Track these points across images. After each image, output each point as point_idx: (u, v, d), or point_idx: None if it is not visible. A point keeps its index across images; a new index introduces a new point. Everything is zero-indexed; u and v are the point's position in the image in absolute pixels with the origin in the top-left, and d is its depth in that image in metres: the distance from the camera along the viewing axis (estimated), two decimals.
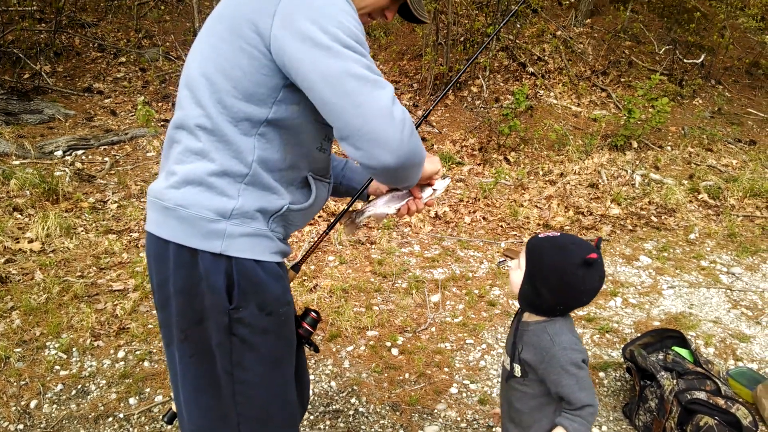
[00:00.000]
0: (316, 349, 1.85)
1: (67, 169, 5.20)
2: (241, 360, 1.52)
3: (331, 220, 4.77)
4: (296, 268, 1.86)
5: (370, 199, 1.86)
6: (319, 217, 4.76)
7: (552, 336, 1.67)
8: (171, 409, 1.83)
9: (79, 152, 5.63)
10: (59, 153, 5.53)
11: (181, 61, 7.23)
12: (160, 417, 2.69)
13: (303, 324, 1.77)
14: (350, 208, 1.90)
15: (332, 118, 1.34)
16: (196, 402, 1.57)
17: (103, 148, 5.76)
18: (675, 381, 2.66)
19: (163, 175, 1.54)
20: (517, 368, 1.74)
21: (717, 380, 2.71)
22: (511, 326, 1.84)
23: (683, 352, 2.92)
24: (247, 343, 1.51)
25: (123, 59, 7.30)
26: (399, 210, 1.74)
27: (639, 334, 3.23)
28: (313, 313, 1.80)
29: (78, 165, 5.38)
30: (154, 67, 7.12)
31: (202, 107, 1.43)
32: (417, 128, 1.95)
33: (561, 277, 1.62)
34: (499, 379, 2.30)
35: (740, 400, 2.70)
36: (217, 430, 1.58)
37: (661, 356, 2.89)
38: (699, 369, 2.77)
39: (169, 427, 2.63)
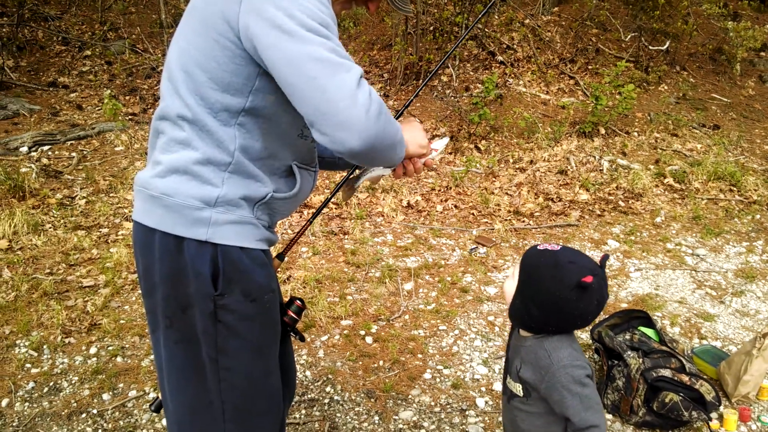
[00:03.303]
0: (302, 338, 1.87)
1: (33, 165, 5.12)
2: (225, 346, 1.53)
3: (305, 210, 4.78)
4: (281, 256, 1.88)
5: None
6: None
7: (550, 352, 1.56)
8: (158, 397, 1.84)
9: (45, 148, 5.53)
10: (24, 149, 5.43)
11: (147, 53, 7.14)
12: (147, 406, 2.69)
13: (288, 312, 1.78)
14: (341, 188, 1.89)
15: (298, 103, 1.35)
16: (181, 388, 1.59)
17: (69, 143, 5.67)
18: (641, 360, 2.74)
19: (149, 164, 1.55)
20: (519, 387, 1.64)
21: (681, 358, 2.79)
22: (508, 341, 1.74)
23: (649, 331, 3.00)
24: (232, 330, 1.53)
25: (88, 52, 7.17)
26: (395, 171, 1.71)
27: (607, 316, 3.31)
28: (298, 301, 1.81)
29: (44, 161, 5.29)
30: (120, 60, 7.01)
31: (182, 99, 1.45)
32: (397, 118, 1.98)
33: (553, 298, 1.52)
34: (500, 399, 2.17)
35: (704, 376, 2.79)
36: (201, 416, 1.59)
37: (627, 336, 2.97)
38: (664, 348, 2.85)
39: (155, 415, 2.64)
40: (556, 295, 1.51)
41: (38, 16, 7.42)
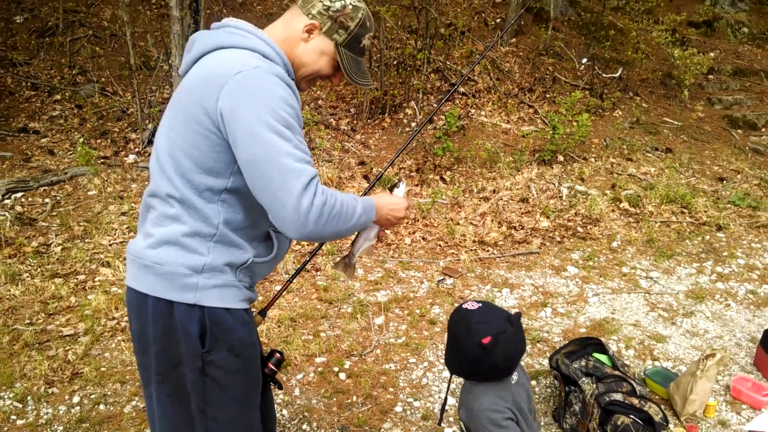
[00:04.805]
0: (280, 387, 2.08)
1: (7, 214, 5.19)
2: (212, 398, 1.73)
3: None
4: (263, 313, 2.08)
5: (353, 240, 2.06)
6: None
7: (476, 396, 1.83)
8: None
9: (19, 195, 5.61)
10: None
11: (117, 96, 7.27)
12: None
13: (269, 364, 1.99)
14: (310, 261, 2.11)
15: (255, 193, 1.60)
16: None
17: (42, 189, 5.76)
18: (595, 385, 2.95)
19: (140, 235, 1.76)
20: (461, 425, 1.90)
21: (632, 382, 3.02)
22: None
23: (603, 357, 3.22)
24: (219, 383, 1.72)
25: (58, 97, 7.28)
26: (379, 236, 1.98)
27: (565, 343, 3.52)
28: (277, 354, 2.02)
29: (18, 208, 5.38)
30: (90, 103, 7.13)
31: (170, 180, 1.66)
32: (380, 177, 2.23)
33: (466, 353, 1.81)
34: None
35: (655, 398, 3.02)
36: None
37: (583, 363, 3.18)
38: (617, 372, 3.07)
39: None
40: (467, 350, 1.80)
41: (6, 63, 7.50)
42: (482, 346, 1.74)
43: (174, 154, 1.65)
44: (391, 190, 2.03)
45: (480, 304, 1.86)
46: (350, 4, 1.78)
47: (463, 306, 1.87)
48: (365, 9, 1.82)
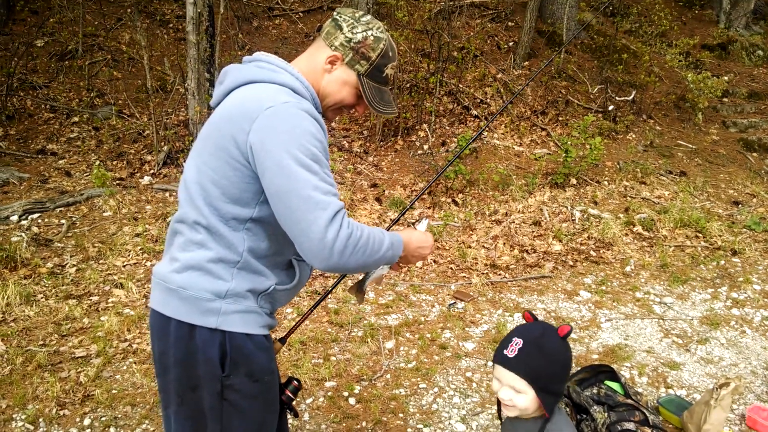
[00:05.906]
0: (296, 414, 2.09)
1: (23, 234, 5.27)
2: (230, 422, 1.76)
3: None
4: (283, 340, 2.11)
5: None
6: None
7: (560, 427, 1.71)
8: None
9: (35, 216, 5.69)
10: (15, 218, 5.58)
11: (134, 118, 7.39)
12: None
13: (286, 391, 2.01)
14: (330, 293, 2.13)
15: (282, 224, 1.64)
16: None
17: (59, 210, 5.84)
18: (607, 414, 2.92)
19: (167, 259, 1.81)
20: None
21: (645, 410, 2.98)
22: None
23: (614, 385, 3.19)
24: (236, 407, 1.75)
25: (76, 119, 7.40)
26: (393, 267, 1.96)
27: (578, 369, 3.49)
28: (295, 381, 2.04)
29: (34, 229, 5.45)
30: (107, 125, 7.24)
31: (197, 209, 1.71)
32: (405, 212, 2.25)
33: (562, 359, 1.72)
34: None
35: (668, 427, 2.97)
36: None
37: (594, 391, 3.15)
38: (629, 401, 3.03)
39: None
40: (561, 354, 1.72)
41: (27, 85, 7.66)
42: (564, 337, 1.70)
43: (203, 183, 1.70)
44: (412, 224, 2.05)
45: (520, 339, 1.74)
46: (372, 35, 1.80)
47: (522, 328, 1.77)
48: (388, 39, 1.83)
